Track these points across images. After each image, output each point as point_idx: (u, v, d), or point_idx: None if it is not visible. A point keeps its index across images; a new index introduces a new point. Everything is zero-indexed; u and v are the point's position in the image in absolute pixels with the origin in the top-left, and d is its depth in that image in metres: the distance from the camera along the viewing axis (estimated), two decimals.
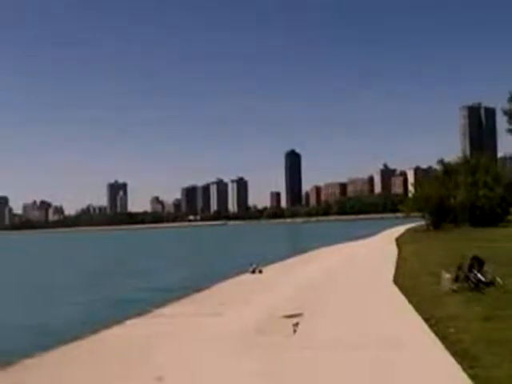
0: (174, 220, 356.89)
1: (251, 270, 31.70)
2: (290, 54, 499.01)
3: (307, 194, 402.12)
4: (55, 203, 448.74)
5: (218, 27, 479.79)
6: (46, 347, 14.28)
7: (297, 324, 13.72)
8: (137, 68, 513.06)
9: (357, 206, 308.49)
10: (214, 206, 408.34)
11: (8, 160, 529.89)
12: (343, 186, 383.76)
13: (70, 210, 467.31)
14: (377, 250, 43.46)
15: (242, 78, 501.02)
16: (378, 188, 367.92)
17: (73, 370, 11.68)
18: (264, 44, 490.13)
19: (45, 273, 44.55)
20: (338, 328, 13.25)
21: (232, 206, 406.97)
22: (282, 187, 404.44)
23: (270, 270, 33.02)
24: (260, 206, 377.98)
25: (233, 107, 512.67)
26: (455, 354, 9.87)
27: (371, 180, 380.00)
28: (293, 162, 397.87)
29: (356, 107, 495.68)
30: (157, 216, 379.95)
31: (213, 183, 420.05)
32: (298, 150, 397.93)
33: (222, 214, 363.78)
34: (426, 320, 12.95)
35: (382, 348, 10.89)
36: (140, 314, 19.00)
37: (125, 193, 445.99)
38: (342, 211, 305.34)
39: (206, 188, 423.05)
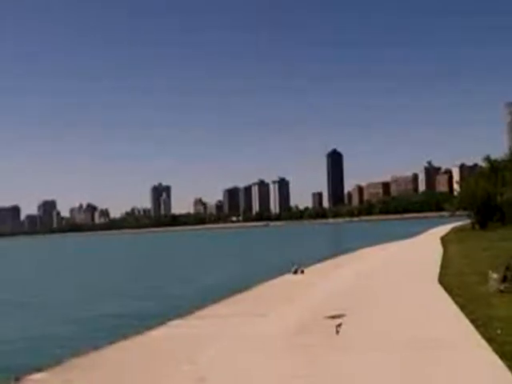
0: (217, 221, 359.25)
1: (293, 270, 31.61)
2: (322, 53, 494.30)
3: (349, 194, 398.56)
4: (101, 206, 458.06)
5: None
6: (94, 347, 14.57)
7: (340, 325, 13.60)
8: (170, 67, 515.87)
9: (400, 206, 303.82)
10: (255, 207, 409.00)
11: (55, 164, 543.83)
12: (386, 185, 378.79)
13: (115, 212, 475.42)
14: (421, 249, 42.80)
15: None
16: (422, 186, 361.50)
17: (118, 370, 11.87)
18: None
19: (90, 274, 45.47)
20: (381, 329, 13.08)
21: (274, 206, 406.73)
22: (324, 187, 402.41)
23: (312, 271, 32.86)
24: (302, 207, 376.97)
25: (271, 107, 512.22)
26: (503, 356, 9.62)
27: (415, 178, 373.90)
28: (334, 161, 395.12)
29: (395, 106, 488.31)
30: (199, 217, 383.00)
31: (254, 184, 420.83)
32: (339, 150, 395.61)
33: (264, 215, 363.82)
34: (472, 321, 12.66)
35: (427, 349, 10.69)
36: (182, 315, 19.15)
37: (168, 195, 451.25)
38: (385, 211, 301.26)
39: (248, 189, 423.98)
